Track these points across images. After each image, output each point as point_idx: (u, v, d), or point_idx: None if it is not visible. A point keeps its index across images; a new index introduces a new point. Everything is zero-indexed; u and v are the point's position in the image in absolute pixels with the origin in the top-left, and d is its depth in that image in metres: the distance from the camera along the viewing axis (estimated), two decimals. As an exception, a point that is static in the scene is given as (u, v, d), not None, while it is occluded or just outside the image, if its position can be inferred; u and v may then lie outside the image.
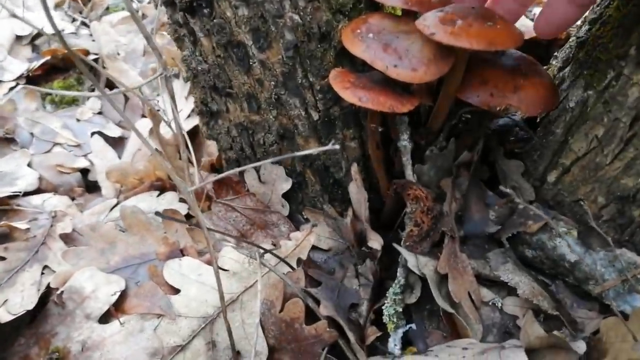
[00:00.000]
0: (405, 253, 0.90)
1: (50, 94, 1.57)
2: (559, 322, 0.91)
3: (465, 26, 0.74)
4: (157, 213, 0.72)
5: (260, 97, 0.96)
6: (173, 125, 0.92)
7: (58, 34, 0.48)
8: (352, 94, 0.81)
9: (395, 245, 0.91)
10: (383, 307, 0.89)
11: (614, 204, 0.85)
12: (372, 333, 0.87)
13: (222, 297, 0.74)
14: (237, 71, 0.94)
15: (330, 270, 1.02)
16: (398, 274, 0.91)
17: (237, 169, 0.66)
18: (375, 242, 0.94)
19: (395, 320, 0.88)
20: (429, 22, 0.76)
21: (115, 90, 0.91)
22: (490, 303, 0.92)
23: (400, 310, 0.89)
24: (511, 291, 0.93)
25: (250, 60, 0.91)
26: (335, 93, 0.92)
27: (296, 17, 0.84)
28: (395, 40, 0.80)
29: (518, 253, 0.99)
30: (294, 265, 0.94)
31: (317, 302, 0.87)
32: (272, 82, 0.92)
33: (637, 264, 0.86)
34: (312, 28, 0.85)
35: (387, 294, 0.90)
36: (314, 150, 0.75)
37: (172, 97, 0.77)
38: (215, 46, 0.92)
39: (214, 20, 0.88)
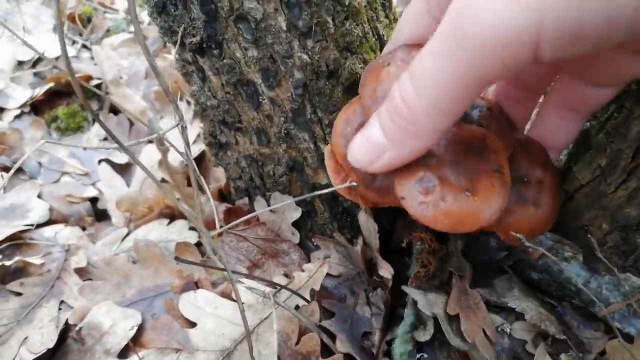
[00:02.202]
0: (413, 294, 0.92)
1: (55, 122, 1.59)
2: (566, 344, 0.94)
3: (438, 198, 0.65)
4: (176, 258, 0.74)
5: (269, 132, 0.98)
6: (185, 160, 0.93)
7: (71, 74, 0.50)
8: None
9: (404, 287, 0.94)
10: (392, 346, 0.91)
11: (617, 231, 0.87)
12: None
13: (245, 322, 0.76)
14: (246, 107, 0.96)
15: (342, 297, 1.04)
16: (405, 314, 0.93)
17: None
18: (386, 271, 0.97)
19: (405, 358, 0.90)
20: (404, 178, 0.67)
21: (133, 142, 0.93)
22: (499, 329, 0.94)
23: (410, 348, 0.90)
24: (519, 316, 0.95)
25: (260, 98, 0.93)
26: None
27: (305, 56, 0.86)
28: None
29: (524, 276, 1.01)
30: (307, 296, 0.96)
31: (332, 337, 0.89)
32: (282, 118, 0.94)
33: (642, 289, 0.88)
34: (320, 66, 0.87)
35: (396, 332, 0.91)
36: (332, 189, 0.77)
37: (187, 145, 0.79)
38: (225, 84, 0.94)
39: (224, 61, 0.90)
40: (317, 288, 0.97)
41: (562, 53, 0.47)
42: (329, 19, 0.84)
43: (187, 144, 0.74)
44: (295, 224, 1.11)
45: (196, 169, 0.90)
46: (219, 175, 1.35)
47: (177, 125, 0.69)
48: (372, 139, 0.63)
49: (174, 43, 0.94)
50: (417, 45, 0.71)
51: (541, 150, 0.84)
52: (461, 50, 0.49)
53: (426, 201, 0.65)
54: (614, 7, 0.43)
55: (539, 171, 0.82)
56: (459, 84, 0.51)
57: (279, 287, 0.89)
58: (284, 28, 0.83)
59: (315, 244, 1.13)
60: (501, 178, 0.68)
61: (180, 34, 0.90)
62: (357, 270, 1.07)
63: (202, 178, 1.01)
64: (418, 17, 0.71)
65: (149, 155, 1.45)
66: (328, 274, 1.06)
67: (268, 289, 0.94)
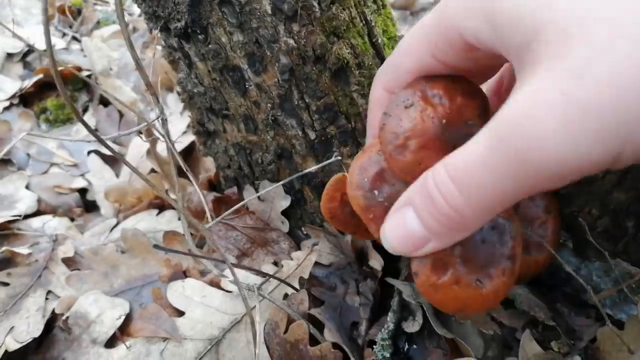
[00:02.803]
0: (398, 284, 0.91)
1: (44, 113, 1.58)
2: (556, 331, 0.93)
3: (451, 282, 0.63)
4: (155, 246, 0.73)
5: (257, 119, 0.97)
6: (170, 151, 0.93)
7: (54, 67, 0.49)
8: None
9: (388, 279, 0.93)
10: (374, 348, 0.89)
11: (608, 216, 0.87)
12: (368, 355, 0.89)
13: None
14: (233, 94, 0.95)
15: (332, 286, 1.03)
16: (392, 306, 0.91)
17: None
18: (376, 262, 0.96)
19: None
20: (420, 256, 0.63)
21: (113, 135, 0.93)
22: (489, 317, 0.93)
23: (388, 355, 0.89)
24: (509, 303, 0.95)
25: (246, 84, 0.92)
26: (332, 113, 0.94)
27: (291, 41, 0.85)
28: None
29: (515, 263, 1.01)
30: (296, 284, 0.95)
31: (320, 325, 0.88)
32: (269, 104, 0.93)
33: (632, 274, 0.88)
34: (307, 51, 0.86)
35: (376, 339, 0.90)
36: (314, 168, 0.77)
37: (168, 136, 0.78)
38: (211, 70, 0.93)
39: (209, 46, 0.89)
40: (306, 276, 0.97)
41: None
42: (315, 3, 0.83)
43: (168, 136, 0.73)
44: (285, 213, 1.10)
45: (180, 159, 0.89)
46: (209, 165, 1.34)
47: (158, 118, 0.68)
48: (410, 231, 0.58)
49: (159, 29, 0.93)
50: (436, 81, 0.66)
51: (544, 193, 0.82)
52: (518, 171, 0.44)
53: (437, 284, 0.64)
54: None
55: (542, 216, 0.81)
56: (513, 197, 0.48)
57: (266, 277, 0.89)
58: (269, 12, 0.81)
59: (305, 232, 1.12)
60: (512, 267, 0.67)
61: (164, 19, 0.89)
62: (348, 260, 1.06)
63: (189, 170, 1.00)
64: (421, 54, 0.64)
65: (138, 146, 1.44)
66: (319, 263, 1.05)
67: (253, 282, 0.93)
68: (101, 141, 0.63)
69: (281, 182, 0.61)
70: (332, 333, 0.88)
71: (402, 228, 0.59)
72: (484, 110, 0.70)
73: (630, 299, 0.88)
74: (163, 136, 0.95)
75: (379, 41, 0.98)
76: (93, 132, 0.59)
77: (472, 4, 0.50)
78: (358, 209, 0.70)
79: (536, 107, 0.41)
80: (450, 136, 0.65)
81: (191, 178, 1.02)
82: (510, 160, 0.44)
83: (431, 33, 0.60)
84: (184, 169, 0.95)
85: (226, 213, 0.93)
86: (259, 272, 0.93)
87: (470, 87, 0.69)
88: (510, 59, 0.49)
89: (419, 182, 0.57)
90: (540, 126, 0.41)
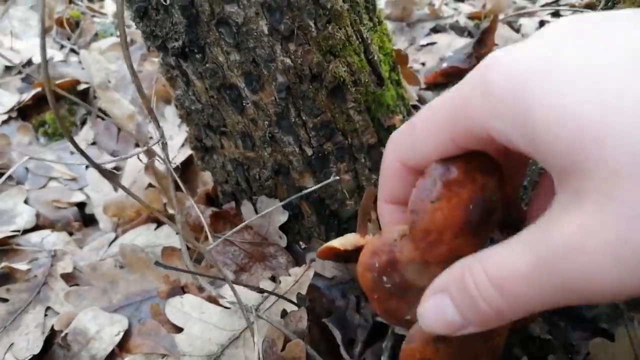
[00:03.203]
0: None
1: (43, 127, 1.58)
2: (553, 345, 0.94)
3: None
4: (157, 263, 0.74)
5: (254, 136, 0.98)
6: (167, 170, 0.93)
7: (47, 84, 0.50)
8: None
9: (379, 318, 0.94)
10: None
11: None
12: None
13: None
14: (230, 111, 0.96)
15: (332, 299, 1.04)
16: (384, 346, 0.91)
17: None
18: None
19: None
20: (409, 352, 0.66)
21: (108, 161, 0.94)
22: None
23: None
24: (506, 317, 0.95)
25: (244, 102, 0.93)
26: (328, 129, 0.95)
27: (287, 60, 0.86)
28: (405, 293, 0.69)
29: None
30: (294, 300, 0.96)
31: (319, 344, 0.89)
32: (266, 122, 0.94)
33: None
34: (304, 70, 0.87)
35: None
36: (313, 187, 0.77)
37: (168, 160, 0.79)
38: (208, 88, 0.94)
39: (207, 65, 0.89)
40: (304, 292, 0.97)
41: None
42: (311, 23, 0.84)
43: (168, 159, 0.74)
44: (283, 228, 1.11)
45: (178, 179, 0.90)
46: (207, 179, 1.35)
47: (158, 142, 0.69)
48: (449, 319, 0.57)
49: (157, 48, 0.94)
50: (454, 166, 0.64)
51: None
52: (564, 293, 0.44)
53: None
54: None
55: None
56: (554, 306, 0.47)
57: (264, 294, 0.89)
58: (266, 32, 0.82)
59: (302, 247, 1.13)
60: (494, 357, 0.69)
61: (162, 38, 0.90)
62: (351, 276, 1.06)
63: (186, 188, 1.01)
64: (441, 139, 0.58)
65: (136, 160, 1.45)
66: (321, 276, 1.06)
67: (252, 298, 0.94)
68: (93, 164, 0.63)
69: (282, 203, 0.61)
70: (344, 352, 0.89)
71: (440, 313, 0.58)
72: (502, 181, 0.71)
73: (628, 314, 0.89)
74: (162, 159, 0.97)
75: (375, 58, 0.99)
76: (85, 155, 0.60)
77: (502, 108, 0.45)
78: (365, 289, 0.71)
79: (588, 244, 0.40)
80: (477, 216, 0.65)
81: (188, 196, 1.03)
82: (556, 285, 0.43)
83: (453, 124, 0.55)
84: (182, 187, 0.96)
85: (229, 233, 0.93)
86: (256, 289, 0.94)
87: (487, 163, 0.67)
88: (548, 169, 0.47)
89: (455, 273, 0.56)
90: (593, 265, 0.40)
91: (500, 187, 0.68)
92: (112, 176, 0.60)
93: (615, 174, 0.38)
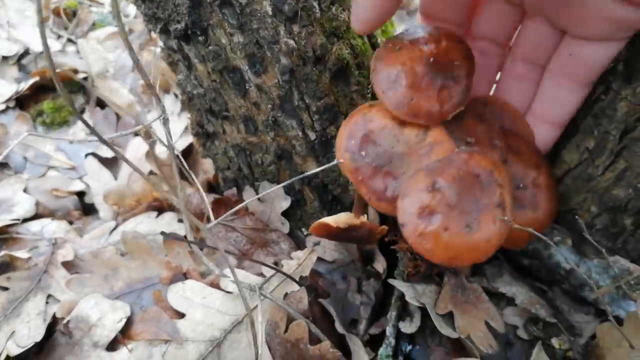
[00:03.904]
0: (400, 286, 0.92)
1: (40, 116, 1.57)
2: (557, 328, 0.94)
3: (439, 229, 0.65)
4: (162, 233, 0.73)
5: (257, 120, 0.97)
6: (168, 154, 0.93)
7: (51, 68, 0.49)
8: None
9: (390, 280, 0.93)
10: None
11: (606, 213, 0.87)
12: (366, 353, 0.89)
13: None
14: (233, 95, 0.95)
15: (333, 282, 1.03)
16: (387, 332, 0.90)
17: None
18: (380, 265, 0.96)
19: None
20: (406, 204, 0.67)
21: (115, 135, 0.93)
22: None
23: (390, 354, 0.90)
24: (510, 301, 0.95)
25: (247, 85, 0.92)
26: (332, 113, 0.94)
27: (291, 42, 0.85)
28: (388, 163, 0.72)
29: (515, 262, 1.01)
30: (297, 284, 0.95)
31: (321, 323, 0.88)
32: (269, 105, 0.93)
33: (630, 271, 0.88)
34: (307, 52, 0.86)
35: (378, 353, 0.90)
36: (315, 170, 0.77)
37: (170, 136, 0.78)
38: (211, 71, 0.93)
39: (209, 47, 0.89)
40: (306, 275, 0.97)
41: None
42: (315, 4, 0.83)
43: (169, 135, 0.73)
44: (285, 214, 1.10)
45: (182, 159, 0.89)
46: (208, 167, 1.34)
47: (159, 117, 0.68)
48: None
49: (159, 31, 0.93)
50: (420, 29, 0.74)
51: (532, 151, 0.85)
52: None
53: (425, 233, 0.65)
54: None
55: (533, 172, 0.83)
56: None
57: (268, 275, 0.89)
58: (270, 13, 0.82)
59: (305, 233, 1.13)
60: (503, 213, 0.69)
61: (164, 21, 0.89)
62: (352, 258, 1.06)
63: (190, 171, 1.00)
64: None
65: (136, 148, 1.44)
66: (322, 260, 1.06)
67: (254, 282, 0.94)
68: (102, 139, 0.63)
69: (282, 184, 0.61)
70: (340, 327, 0.89)
71: None
72: (469, 54, 0.75)
73: (629, 295, 0.89)
74: (164, 136, 0.95)
75: (378, 41, 0.99)
76: (94, 130, 0.59)
77: None
78: (348, 172, 0.73)
79: None
80: (438, 75, 0.71)
81: (193, 179, 1.02)
82: None
83: None
84: (184, 171, 0.95)
85: (228, 213, 0.92)
86: (266, 266, 0.92)
87: (454, 35, 0.75)
88: None
89: None
90: None
91: (468, 59, 0.74)
92: (119, 153, 0.59)
93: None
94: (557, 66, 0.80)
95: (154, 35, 1.00)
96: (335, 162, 0.72)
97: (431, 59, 0.70)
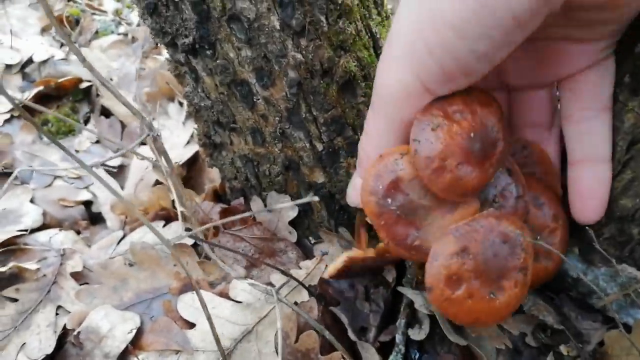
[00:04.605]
0: (409, 294, 0.92)
1: (46, 125, 1.58)
2: (565, 335, 0.94)
3: (464, 296, 0.66)
4: (187, 229, 0.74)
5: (265, 131, 0.98)
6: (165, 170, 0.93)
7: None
8: None
9: (399, 288, 0.94)
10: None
11: (614, 223, 0.88)
12: None
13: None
14: (240, 107, 0.96)
15: (341, 290, 1.04)
16: (397, 339, 0.91)
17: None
18: (389, 274, 0.97)
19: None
20: (435, 270, 0.67)
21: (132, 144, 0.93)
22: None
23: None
24: (518, 309, 0.96)
25: (254, 97, 0.93)
26: (339, 124, 0.95)
27: (299, 55, 0.86)
28: (413, 213, 0.71)
29: (522, 269, 1.02)
30: (307, 294, 0.96)
31: (335, 330, 0.89)
32: (277, 118, 0.94)
33: (638, 279, 0.89)
34: (315, 65, 0.87)
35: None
36: (297, 202, 0.77)
37: (163, 154, 0.79)
38: (218, 84, 0.94)
39: (217, 61, 0.89)
40: (315, 284, 0.98)
41: None
42: (322, 18, 0.84)
43: (162, 153, 0.74)
44: (292, 223, 1.11)
45: (176, 178, 0.89)
46: (214, 175, 1.35)
47: (146, 136, 0.69)
48: None
49: (166, 44, 0.94)
50: (453, 98, 0.68)
51: (555, 202, 0.85)
52: None
53: (452, 298, 0.66)
54: None
55: (552, 224, 0.84)
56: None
57: (285, 280, 0.89)
58: (277, 27, 0.82)
59: (312, 242, 1.13)
60: (525, 279, 0.70)
61: (172, 35, 0.89)
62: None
63: (178, 182, 1.00)
64: None
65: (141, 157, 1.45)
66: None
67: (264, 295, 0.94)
68: (84, 167, 0.63)
69: (296, 202, 0.61)
70: (352, 334, 0.90)
71: None
72: (500, 112, 0.73)
73: (637, 303, 0.90)
74: (167, 150, 0.96)
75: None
76: (77, 159, 0.60)
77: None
78: (370, 215, 0.71)
79: None
80: (479, 146, 0.68)
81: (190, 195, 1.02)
82: None
83: None
84: (177, 189, 0.95)
85: (230, 218, 0.93)
86: (278, 269, 0.93)
87: (485, 95, 0.71)
88: None
89: None
90: None
91: (500, 120, 0.71)
92: (101, 179, 0.60)
93: None
94: (568, 103, 0.80)
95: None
96: (315, 198, 0.69)
97: (471, 134, 0.67)
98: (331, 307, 0.95)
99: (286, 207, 1.09)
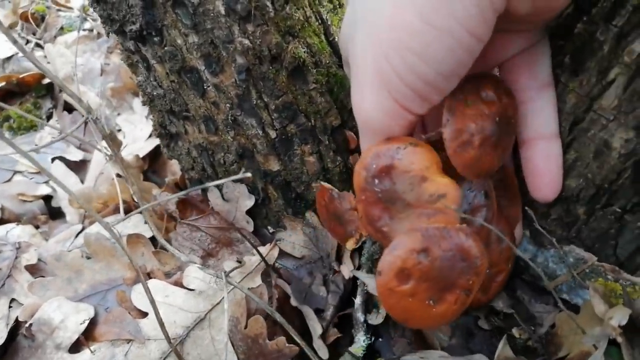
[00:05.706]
0: (363, 277, 0.93)
1: (7, 121, 1.56)
2: (517, 319, 0.95)
3: (407, 293, 0.68)
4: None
5: (217, 119, 0.98)
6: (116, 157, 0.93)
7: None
8: None
9: (353, 271, 0.95)
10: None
11: (560, 204, 0.89)
12: (333, 335, 0.91)
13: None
14: (192, 95, 0.96)
15: (300, 278, 1.04)
16: (356, 298, 0.92)
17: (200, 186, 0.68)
18: (346, 269, 0.97)
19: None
20: (391, 258, 0.68)
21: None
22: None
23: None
24: (470, 292, 0.97)
25: (204, 85, 0.93)
26: (291, 111, 0.95)
27: (246, 41, 0.86)
28: (392, 202, 0.71)
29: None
30: (258, 280, 0.96)
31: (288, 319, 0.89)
32: (228, 105, 0.94)
33: (585, 260, 0.90)
34: (263, 51, 0.87)
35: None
36: (230, 178, 0.76)
37: (106, 138, 0.78)
38: (169, 72, 0.94)
39: (165, 48, 0.89)
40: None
41: None
42: (268, 3, 0.84)
43: (106, 137, 0.74)
44: (250, 212, 1.11)
45: (123, 168, 0.89)
46: (175, 168, 1.34)
47: (84, 121, 0.69)
48: None
49: (115, 32, 0.94)
50: (485, 82, 0.73)
51: (509, 249, 0.87)
52: None
53: (395, 290, 0.67)
54: None
55: (503, 265, 0.87)
56: None
57: (229, 270, 0.89)
58: (223, 12, 0.82)
59: (271, 231, 1.13)
60: (466, 299, 0.71)
61: (119, 22, 0.89)
62: (320, 255, 1.07)
63: (128, 177, 1.00)
64: None
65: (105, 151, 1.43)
66: (291, 256, 1.07)
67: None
68: (23, 154, 0.63)
69: (229, 179, 0.61)
70: (296, 301, 0.91)
71: None
72: (517, 111, 0.77)
73: (583, 284, 0.91)
74: (130, 140, 0.96)
75: (336, 40, 1.00)
76: (22, 151, 0.60)
77: None
78: (356, 185, 0.73)
79: None
80: (499, 133, 0.72)
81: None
82: None
83: None
84: (129, 180, 0.95)
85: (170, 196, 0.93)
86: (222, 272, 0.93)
87: (508, 88, 0.76)
88: None
89: None
90: None
91: (516, 114, 0.76)
92: (46, 170, 0.59)
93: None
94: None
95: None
96: (247, 174, 0.69)
97: (497, 119, 0.71)
98: (278, 280, 0.95)
99: (243, 197, 1.08)
